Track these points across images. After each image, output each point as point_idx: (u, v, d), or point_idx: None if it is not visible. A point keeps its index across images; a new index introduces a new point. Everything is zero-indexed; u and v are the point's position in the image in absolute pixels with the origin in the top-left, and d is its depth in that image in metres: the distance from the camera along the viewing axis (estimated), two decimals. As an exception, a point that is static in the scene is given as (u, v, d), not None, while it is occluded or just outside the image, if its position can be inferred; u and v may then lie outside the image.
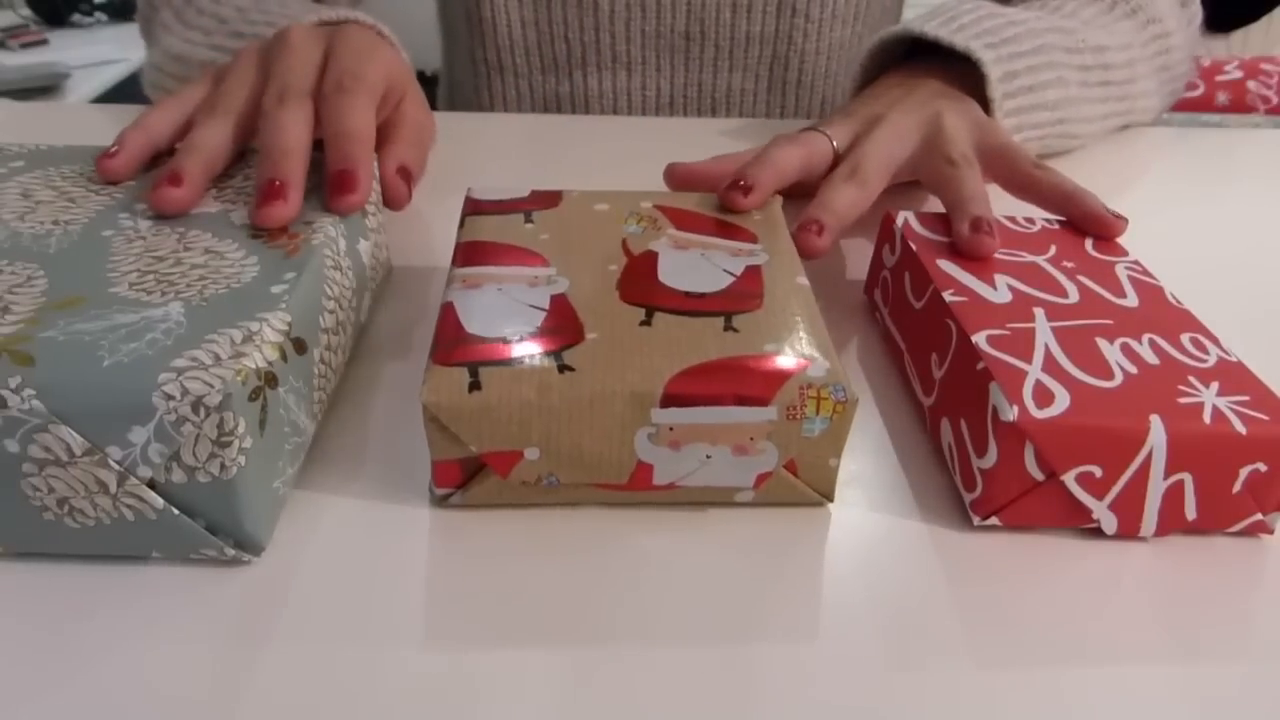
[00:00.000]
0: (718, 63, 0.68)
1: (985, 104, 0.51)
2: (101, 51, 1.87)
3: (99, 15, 2.09)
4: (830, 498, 0.32)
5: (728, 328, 0.31)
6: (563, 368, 0.29)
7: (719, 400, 0.29)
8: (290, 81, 0.39)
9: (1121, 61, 0.60)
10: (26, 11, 2.02)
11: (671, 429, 0.29)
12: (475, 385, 0.29)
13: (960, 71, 0.52)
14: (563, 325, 0.31)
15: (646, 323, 0.31)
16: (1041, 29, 0.56)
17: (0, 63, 1.73)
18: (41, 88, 1.65)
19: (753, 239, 0.37)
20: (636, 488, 0.30)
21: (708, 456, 0.30)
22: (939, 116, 0.47)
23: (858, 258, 0.48)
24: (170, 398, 0.25)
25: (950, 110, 0.47)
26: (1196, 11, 0.68)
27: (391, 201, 0.44)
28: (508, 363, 0.29)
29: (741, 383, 0.29)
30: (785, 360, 0.30)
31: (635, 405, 0.29)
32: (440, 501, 0.31)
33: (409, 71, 0.48)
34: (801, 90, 0.71)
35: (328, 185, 0.36)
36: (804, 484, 0.31)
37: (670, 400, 0.29)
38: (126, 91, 1.75)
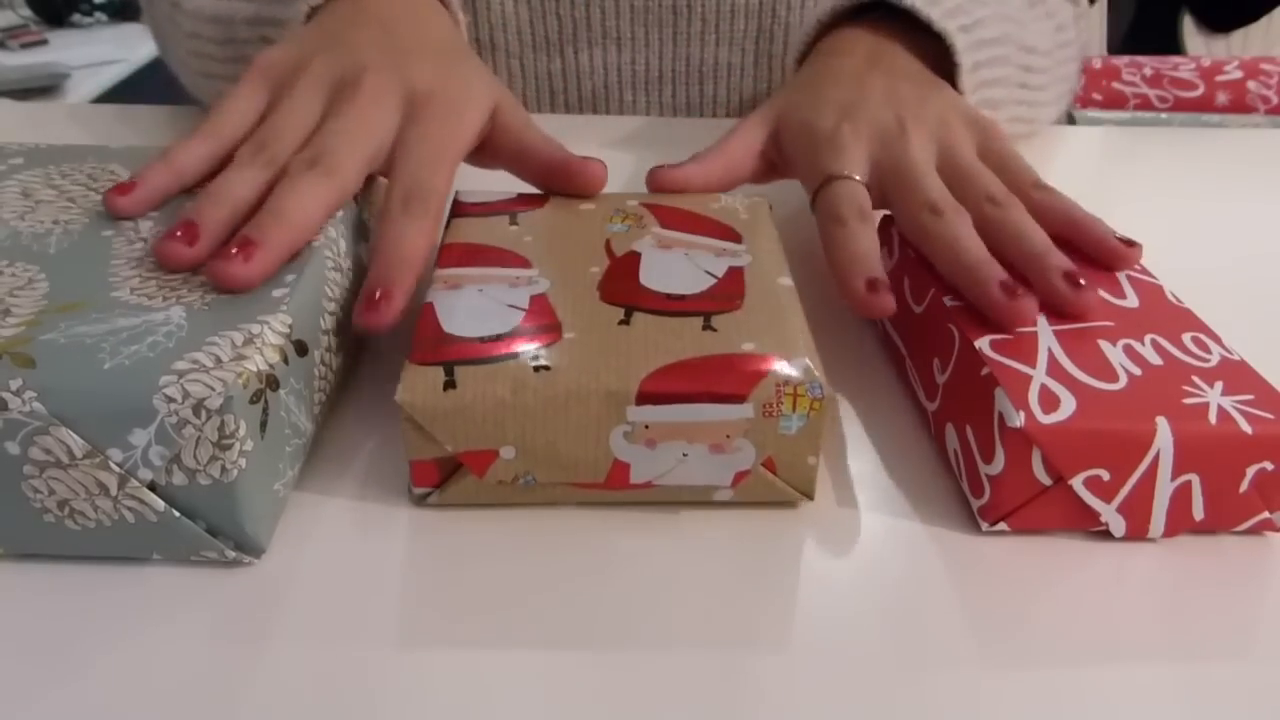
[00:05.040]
0: (704, 36, 0.69)
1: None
2: (101, 51, 1.87)
3: (99, 15, 2.09)
4: (810, 495, 0.31)
5: (706, 327, 0.31)
6: (538, 367, 0.29)
7: (694, 398, 0.29)
8: (272, 139, 0.36)
9: (1041, 67, 0.57)
10: (26, 11, 2.02)
11: (648, 427, 0.29)
12: (450, 384, 0.29)
13: (927, 48, 0.48)
14: (541, 324, 0.31)
15: (625, 322, 0.31)
16: (1000, 16, 0.52)
17: (0, 63, 1.72)
18: (41, 88, 1.64)
19: (737, 239, 0.37)
20: (614, 486, 0.30)
21: (684, 455, 0.30)
22: (948, 128, 0.42)
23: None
24: (171, 400, 0.25)
25: (957, 118, 0.43)
26: (1085, 12, 0.66)
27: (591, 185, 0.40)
28: (483, 362, 0.29)
29: (717, 380, 0.29)
30: (761, 357, 0.30)
31: (611, 403, 0.29)
32: (418, 501, 0.31)
33: (494, 94, 0.42)
34: (788, 63, 0.72)
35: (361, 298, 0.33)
36: (783, 482, 0.31)
37: (646, 398, 0.29)
38: (126, 91, 1.75)
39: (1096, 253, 0.38)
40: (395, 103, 0.38)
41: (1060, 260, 0.35)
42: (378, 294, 0.33)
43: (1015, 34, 0.53)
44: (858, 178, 0.40)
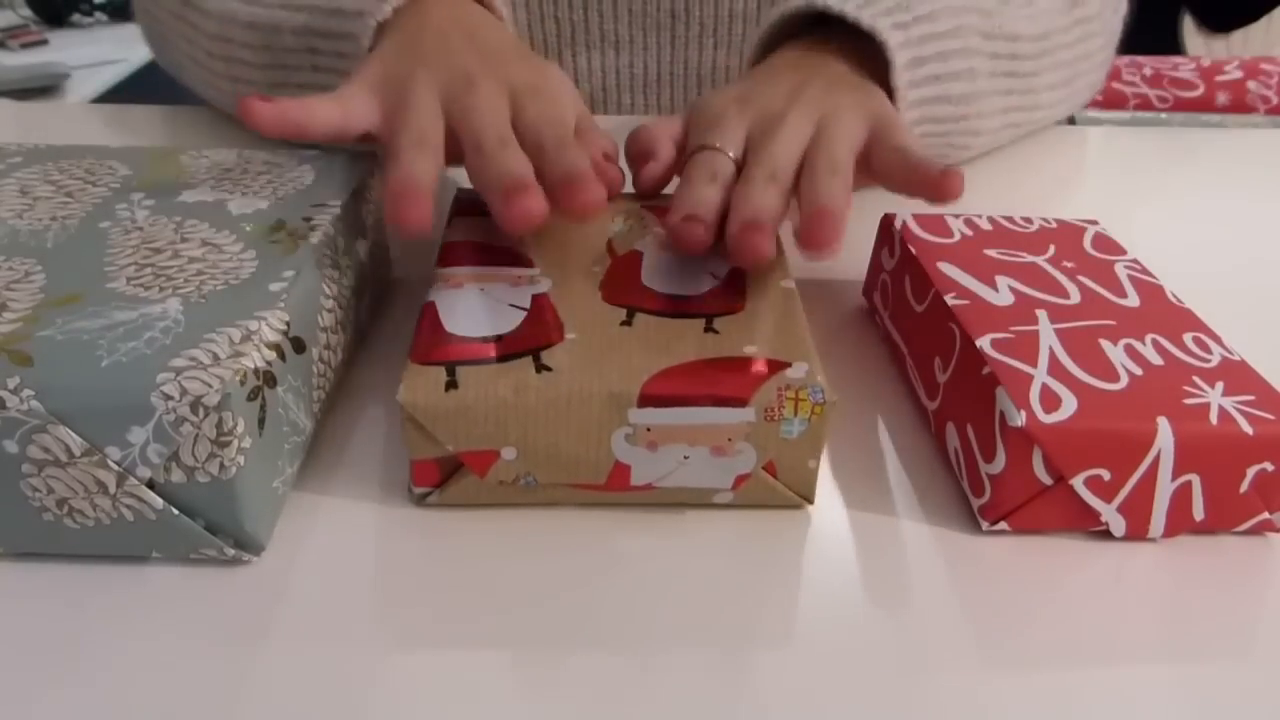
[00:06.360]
0: (702, 40, 0.69)
1: (889, 91, 0.46)
2: (101, 51, 1.86)
3: (99, 15, 2.08)
4: (810, 499, 0.31)
5: (708, 329, 0.31)
6: (540, 367, 0.29)
7: (696, 401, 0.29)
8: (504, 130, 0.38)
9: (1031, 53, 0.56)
10: (26, 11, 2.02)
11: (649, 429, 0.29)
12: (452, 384, 0.29)
13: (866, 51, 0.47)
14: (543, 325, 0.31)
15: (627, 323, 0.31)
16: (960, 6, 0.50)
17: (0, 63, 1.72)
18: (41, 88, 1.64)
19: None
20: (614, 488, 0.30)
21: (685, 457, 0.30)
22: (835, 115, 0.41)
23: (855, 260, 0.48)
24: (169, 398, 0.25)
25: (847, 107, 0.42)
26: None
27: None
28: (485, 362, 0.29)
29: (719, 383, 0.29)
30: (763, 361, 0.30)
31: (613, 405, 0.29)
32: (419, 501, 0.31)
33: (574, 91, 0.45)
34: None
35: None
36: (783, 486, 0.31)
37: (648, 400, 0.29)
38: (126, 91, 1.75)
39: (924, 189, 0.37)
40: (506, 97, 0.40)
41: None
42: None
43: (978, 24, 0.52)
44: (730, 153, 0.40)
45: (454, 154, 0.39)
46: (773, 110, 0.41)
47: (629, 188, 0.42)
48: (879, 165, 0.40)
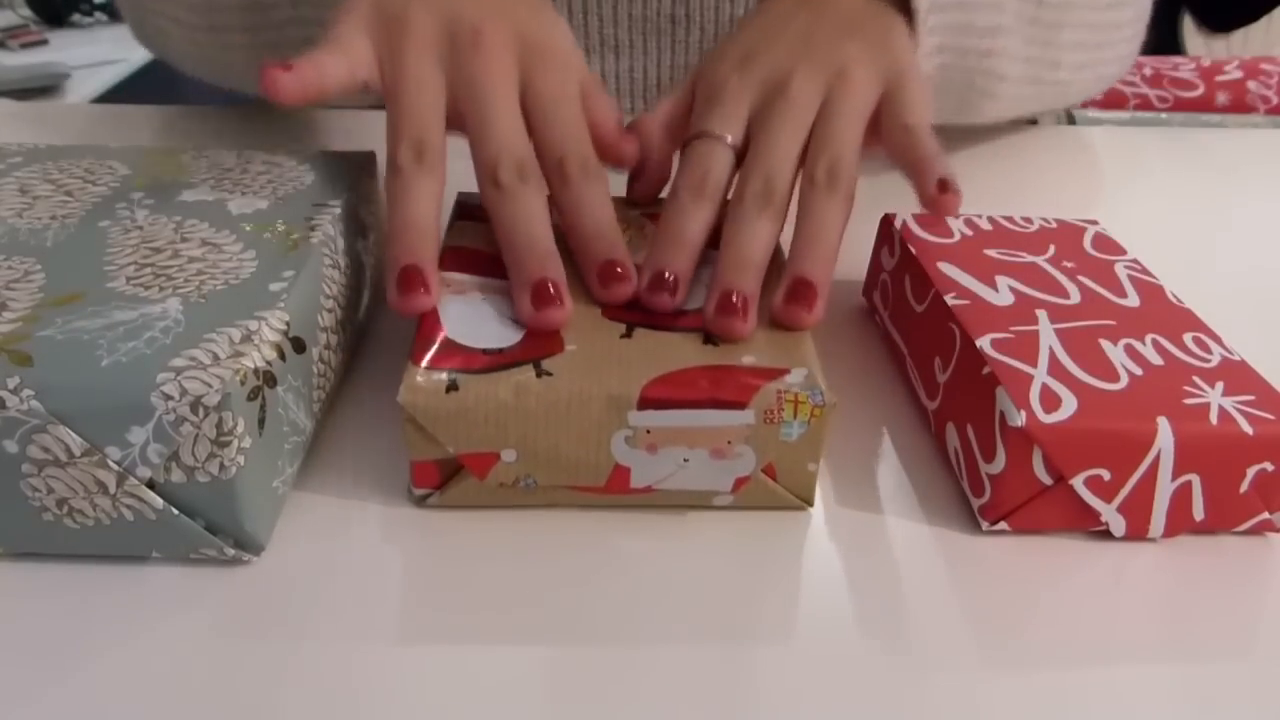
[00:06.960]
0: (703, 45, 0.69)
1: (909, 14, 0.43)
2: (101, 51, 1.86)
3: (99, 15, 2.08)
4: (809, 502, 0.31)
5: (707, 340, 0.31)
6: (541, 373, 0.29)
7: (696, 403, 0.29)
8: (519, 153, 0.35)
9: (1057, 3, 0.52)
10: (26, 11, 2.02)
11: (649, 431, 0.29)
12: (452, 386, 0.29)
13: None
14: (542, 338, 0.31)
15: (627, 336, 0.31)
16: None
17: (0, 63, 1.72)
18: (41, 88, 1.64)
19: None
20: (614, 491, 0.30)
21: (685, 460, 0.30)
22: (845, 78, 0.38)
23: (855, 260, 0.48)
24: (169, 398, 0.25)
25: (859, 62, 0.39)
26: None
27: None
28: (486, 367, 0.29)
29: (719, 386, 0.29)
30: (763, 365, 0.30)
31: (612, 408, 0.29)
32: (419, 502, 0.31)
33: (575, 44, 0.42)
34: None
35: (595, 276, 0.33)
36: (782, 488, 0.31)
37: (647, 403, 0.29)
38: (126, 91, 1.75)
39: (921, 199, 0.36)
40: (514, 58, 0.38)
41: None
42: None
43: None
44: (728, 139, 0.37)
45: (455, 123, 0.37)
46: (778, 74, 0.39)
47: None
48: (886, 139, 0.38)
